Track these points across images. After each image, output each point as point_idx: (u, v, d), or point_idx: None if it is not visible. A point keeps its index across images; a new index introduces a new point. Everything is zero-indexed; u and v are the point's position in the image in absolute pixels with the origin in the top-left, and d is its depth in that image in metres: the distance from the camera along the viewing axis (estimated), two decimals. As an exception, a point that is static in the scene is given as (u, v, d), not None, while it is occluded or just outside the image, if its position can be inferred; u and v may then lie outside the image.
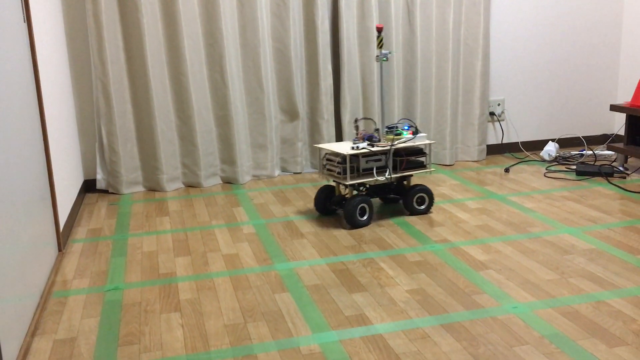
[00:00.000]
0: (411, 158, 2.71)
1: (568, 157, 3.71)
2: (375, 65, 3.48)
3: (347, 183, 2.57)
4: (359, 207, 2.60)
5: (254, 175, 3.49)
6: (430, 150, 2.75)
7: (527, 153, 3.91)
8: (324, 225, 2.66)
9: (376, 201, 2.98)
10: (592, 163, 3.56)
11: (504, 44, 3.78)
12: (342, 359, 1.60)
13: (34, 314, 1.86)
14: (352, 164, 2.61)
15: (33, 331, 1.78)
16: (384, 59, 2.69)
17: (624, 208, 2.77)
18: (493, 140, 3.90)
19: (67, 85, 3.03)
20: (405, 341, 1.68)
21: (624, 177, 3.27)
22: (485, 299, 1.91)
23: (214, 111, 3.32)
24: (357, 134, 2.73)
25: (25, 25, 2.18)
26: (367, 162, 2.63)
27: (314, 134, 3.55)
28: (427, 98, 3.64)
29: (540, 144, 3.96)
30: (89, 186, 3.30)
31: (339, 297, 1.96)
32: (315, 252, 2.35)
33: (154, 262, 2.29)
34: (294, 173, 3.58)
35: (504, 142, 3.91)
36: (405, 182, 2.80)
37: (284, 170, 3.59)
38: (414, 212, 2.75)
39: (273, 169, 3.49)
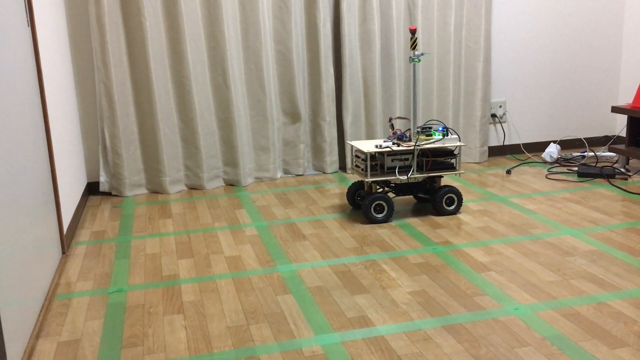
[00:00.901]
0: (439, 159, 2.73)
1: (570, 159, 3.72)
2: (377, 67, 3.49)
3: (367, 180, 2.66)
4: (375, 204, 2.67)
5: (256, 178, 3.50)
6: (460, 152, 2.77)
7: (529, 155, 3.92)
8: (326, 227, 2.67)
9: (411, 200, 3.00)
10: (594, 165, 3.57)
11: (506, 46, 3.79)
12: (344, 360, 1.61)
13: (38, 316, 1.87)
14: (377, 162, 2.70)
15: (37, 333, 1.80)
16: (417, 60, 2.73)
17: (626, 209, 2.77)
18: (495, 142, 3.90)
19: (70, 88, 3.04)
20: (407, 343, 1.68)
21: (626, 179, 3.28)
22: (486, 301, 1.92)
23: (217, 114, 3.33)
24: (391, 133, 2.77)
25: (29, 29, 2.19)
26: (392, 160, 2.69)
27: (316, 136, 3.57)
28: (429, 100, 3.65)
29: (541, 146, 3.97)
30: (92, 189, 3.31)
31: (341, 298, 1.97)
32: (317, 254, 2.36)
33: (157, 264, 2.31)
34: (296, 175, 3.59)
35: (505, 143, 3.92)
36: (434, 183, 2.83)
37: (286, 172, 3.60)
38: (442, 213, 2.77)
39: (275, 171, 3.50)
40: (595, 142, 4.08)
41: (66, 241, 2.47)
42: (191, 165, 3.33)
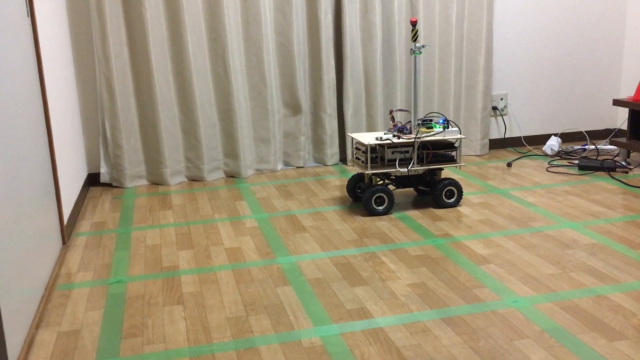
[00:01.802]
0: (439, 152, 2.72)
1: (570, 152, 3.71)
2: (378, 59, 3.48)
3: (367, 172, 2.66)
4: (375, 196, 2.67)
5: (257, 169, 3.50)
6: (460, 144, 2.76)
7: (530, 147, 3.91)
8: (326, 219, 2.67)
9: (411, 192, 3.00)
10: (595, 158, 3.56)
11: (507, 39, 3.77)
12: (343, 352, 1.61)
13: (39, 307, 1.88)
14: (378, 154, 2.70)
15: (37, 323, 1.80)
16: (418, 52, 2.72)
17: (626, 203, 2.77)
18: (496, 134, 3.90)
19: (70, 80, 3.04)
20: (406, 334, 1.69)
21: (627, 172, 3.27)
22: (486, 293, 1.92)
23: (217, 105, 3.33)
24: (392, 125, 2.77)
25: (29, 20, 2.19)
26: (392, 153, 2.69)
27: (317, 128, 3.56)
28: (430, 92, 3.65)
29: (542, 139, 3.96)
30: (92, 180, 3.32)
31: (340, 290, 1.98)
32: (317, 246, 2.37)
33: (157, 256, 2.31)
34: (297, 167, 3.59)
35: (506, 136, 3.91)
36: (435, 176, 2.83)
37: (286, 164, 3.60)
38: (442, 205, 2.78)
39: (276, 163, 3.50)
40: (597, 135, 4.07)
41: (66, 232, 2.47)
42: (192, 156, 3.33)
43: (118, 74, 3.15)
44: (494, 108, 3.83)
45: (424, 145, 2.71)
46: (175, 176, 3.31)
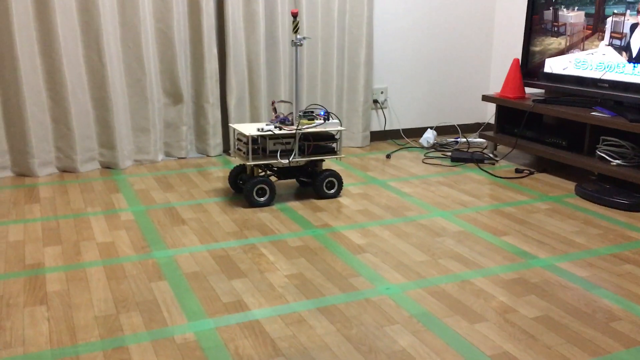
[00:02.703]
0: (320, 143, 2.74)
1: (444, 144, 3.91)
2: (262, 50, 3.46)
3: (248, 163, 2.64)
4: (257, 187, 2.66)
5: (135, 160, 3.36)
6: (341, 136, 2.80)
7: (408, 140, 4.08)
8: (207, 211, 2.62)
9: (293, 183, 2.98)
10: (466, 150, 3.78)
11: (387, 34, 3.90)
12: (216, 346, 1.59)
13: None
14: (260, 145, 2.68)
15: None
16: (299, 44, 2.71)
17: (492, 192, 2.96)
18: (377, 127, 4.02)
19: None
20: (281, 326, 1.70)
21: (493, 164, 3.50)
22: (360, 282, 1.98)
23: (91, 92, 3.15)
24: (274, 116, 2.75)
25: None
26: (274, 144, 2.68)
27: (199, 118, 3.48)
28: (313, 84, 3.68)
29: (420, 132, 4.15)
30: (-53, 171, 3.03)
31: (217, 284, 1.95)
32: (196, 238, 2.32)
33: (19, 253, 2.15)
34: (179, 158, 3.49)
35: (386, 129, 4.05)
36: (316, 167, 2.85)
37: (168, 155, 3.49)
38: (323, 196, 2.81)
39: (156, 154, 3.39)
40: (469, 128, 4.32)
41: None
42: (63, 146, 3.13)
43: (-24, 56, 2.88)
44: (375, 101, 3.95)
45: (306, 136, 2.74)
46: (44, 167, 3.10)
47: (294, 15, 2.69)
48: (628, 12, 2.95)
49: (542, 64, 3.45)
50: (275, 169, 2.82)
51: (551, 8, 3.38)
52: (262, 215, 2.59)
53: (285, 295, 1.88)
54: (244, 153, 2.71)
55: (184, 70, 3.36)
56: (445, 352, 1.57)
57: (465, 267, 2.11)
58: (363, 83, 3.74)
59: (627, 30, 2.97)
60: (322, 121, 2.74)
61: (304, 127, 2.70)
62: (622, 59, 3.00)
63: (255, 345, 1.60)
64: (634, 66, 2.95)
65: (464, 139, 4.00)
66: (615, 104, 3.11)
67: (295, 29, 2.75)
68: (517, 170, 3.32)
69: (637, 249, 2.28)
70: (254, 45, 3.45)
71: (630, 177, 2.79)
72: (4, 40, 2.90)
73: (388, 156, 3.62)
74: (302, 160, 2.73)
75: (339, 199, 2.82)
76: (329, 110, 2.91)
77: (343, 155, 2.85)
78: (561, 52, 3.33)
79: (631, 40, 2.95)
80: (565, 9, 3.30)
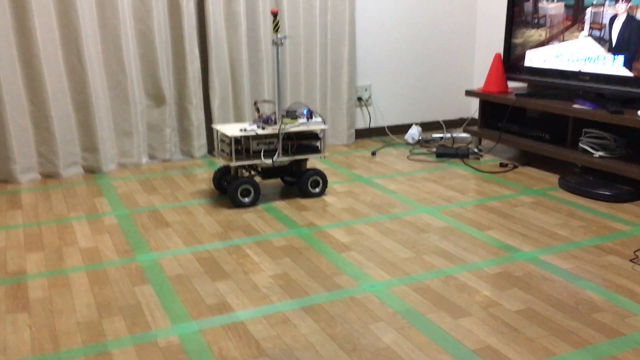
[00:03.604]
0: (304, 142, 2.74)
1: (429, 140, 3.92)
2: (244, 49, 3.45)
3: (232, 164, 2.62)
4: (241, 188, 2.65)
5: (119, 163, 3.34)
6: (324, 135, 2.79)
7: (393, 137, 4.08)
8: (191, 213, 2.61)
9: (278, 183, 2.98)
10: (451, 146, 3.79)
11: (369, 31, 3.90)
12: (200, 349, 1.58)
13: None
14: (243, 146, 2.67)
15: None
16: (280, 43, 2.70)
17: (477, 187, 2.97)
18: (361, 124, 4.02)
19: None
20: (265, 326, 1.69)
21: (478, 159, 3.51)
22: (345, 280, 1.98)
23: (72, 96, 3.12)
24: (257, 116, 2.74)
25: None
26: (257, 144, 2.67)
27: (183, 120, 3.46)
28: (297, 83, 3.68)
29: (404, 128, 4.15)
30: None
31: (202, 286, 1.94)
32: (180, 241, 2.31)
33: (1, 260, 2.13)
34: (163, 160, 3.48)
35: (371, 126, 4.05)
36: (300, 166, 2.84)
37: (152, 157, 3.47)
38: (308, 195, 2.80)
39: (140, 156, 3.36)
40: (453, 124, 4.33)
41: None
42: (45, 151, 3.10)
43: (-46, 62, 2.85)
44: (359, 99, 3.95)
45: (289, 136, 2.73)
46: (26, 173, 3.07)
47: (274, 15, 2.68)
48: (607, 2, 2.97)
49: (524, 57, 3.46)
50: (260, 169, 2.81)
51: (531, 0, 3.40)
52: (247, 215, 2.58)
53: (270, 296, 1.87)
54: (227, 154, 2.70)
55: (166, 72, 3.35)
56: (429, 348, 1.57)
57: (449, 262, 2.11)
58: (347, 81, 3.73)
59: (606, 21, 2.99)
60: (305, 120, 2.74)
61: (287, 126, 2.69)
62: (602, 50, 3.02)
63: (239, 346, 1.60)
64: (614, 57, 2.97)
65: (449, 135, 4.01)
66: (596, 96, 3.13)
67: (276, 28, 2.74)
68: (501, 165, 3.33)
69: (620, 240, 2.30)
70: (236, 45, 3.44)
71: (613, 168, 2.81)
72: (-18, 45, 2.87)
73: (373, 153, 3.62)
74: (286, 159, 2.73)
75: (324, 197, 2.82)
76: (311, 109, 2.90)
77: (327, 154, 2.84)
78: (542, 44, 3.35)
79: (611, 31, 2.97)
80: (545, 1, 3.31)
